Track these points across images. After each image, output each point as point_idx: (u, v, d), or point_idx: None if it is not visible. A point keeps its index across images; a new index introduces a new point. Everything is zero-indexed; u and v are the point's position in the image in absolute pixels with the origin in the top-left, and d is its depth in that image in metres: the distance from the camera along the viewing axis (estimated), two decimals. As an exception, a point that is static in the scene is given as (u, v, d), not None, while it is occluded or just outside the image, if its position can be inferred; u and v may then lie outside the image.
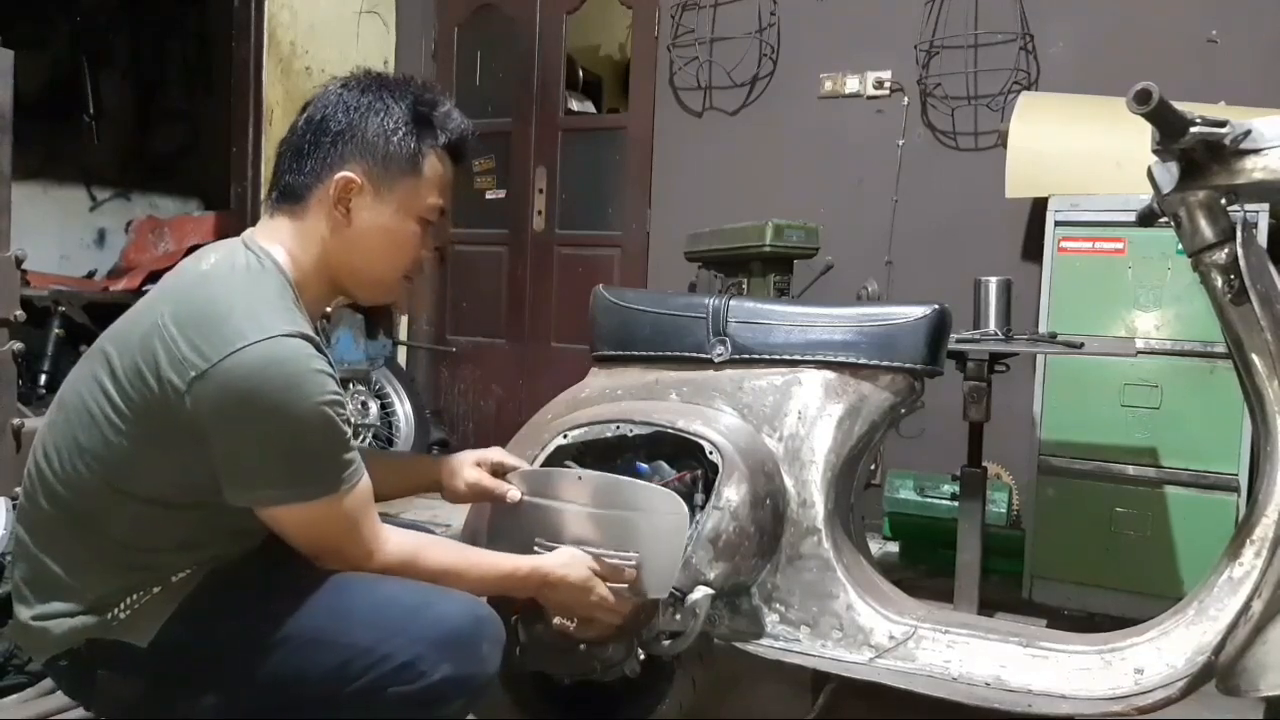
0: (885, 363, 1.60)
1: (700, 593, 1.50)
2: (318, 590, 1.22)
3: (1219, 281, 1.40)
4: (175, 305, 1.18)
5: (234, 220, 3.97)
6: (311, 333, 1.21)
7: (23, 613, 1.23)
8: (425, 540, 1.35)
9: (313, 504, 1.18)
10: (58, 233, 4.86)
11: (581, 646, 1.57)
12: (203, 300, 1.18)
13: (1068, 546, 2.70)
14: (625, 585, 1.45)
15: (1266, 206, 2.38)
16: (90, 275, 4.83)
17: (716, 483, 1.55)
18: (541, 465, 1.64)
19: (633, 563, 1.45)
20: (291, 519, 1.20)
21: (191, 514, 1.21)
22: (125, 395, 1.17)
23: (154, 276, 3.98)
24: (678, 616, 1.53)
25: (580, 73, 4.92)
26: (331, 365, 1.22)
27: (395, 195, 1.29)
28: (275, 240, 1.28)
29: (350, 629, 1.18)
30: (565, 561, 1.43)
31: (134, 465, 1.18)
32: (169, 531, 1.21)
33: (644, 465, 1.63)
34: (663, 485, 1.55)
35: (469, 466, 1.55)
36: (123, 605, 1.20)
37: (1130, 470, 2.63)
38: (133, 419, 1.17)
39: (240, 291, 1.19)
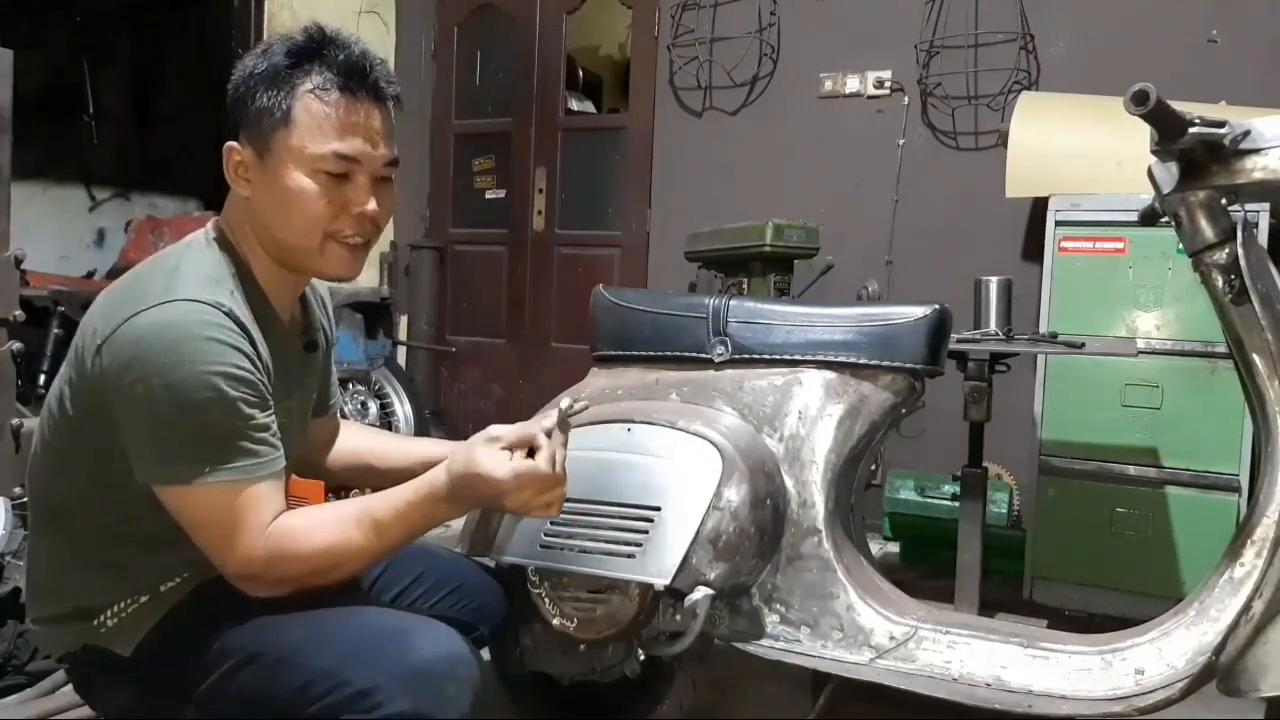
0: (886, 363, 1.60)
1: (700, 593, 1.49)
2: (299, 611, 1.17)
3: (1219, 281, 1.40)
4: (111, 286, 1.20)
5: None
6: (235, 306, 1.14)
7: (28, 616, 1.26)
8: (301, 516, 1.16)
9: (190, 487, 1.09)
10: (57, 233, 4.85)
11: (581, 646, 1.57)
12: (130, 277, 1.19)
13: (1068, 547, 2.69)
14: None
15: (1267, 206, 2.37)
16: (90, 275, 4.82)
17: (717, 483, 1.55)
18: None
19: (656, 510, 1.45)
20: (180, 500, 1.11)
21: (144, 505, 1.15)
22: (70, 381, 1.18)
23: (154, 276, 3.96)
24: (678, 617, 1.53)
25: (580, 73, 4.93)
26: (250, 340, 1.14)
27: (275, 154, 1.19)
28: (226, 217, 1.27)
29: (319, 652, 1.12)
30: (465, 461, 1.24)
31: (78, 450, 1.18)
32: (134, 526, 1.18)
33: None
34: None
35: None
36: (110, 612, 1.19)
37: (1131, 470, 2.62)
38: (71, 400, 1.17)
39: (168, 266, 1.18)
